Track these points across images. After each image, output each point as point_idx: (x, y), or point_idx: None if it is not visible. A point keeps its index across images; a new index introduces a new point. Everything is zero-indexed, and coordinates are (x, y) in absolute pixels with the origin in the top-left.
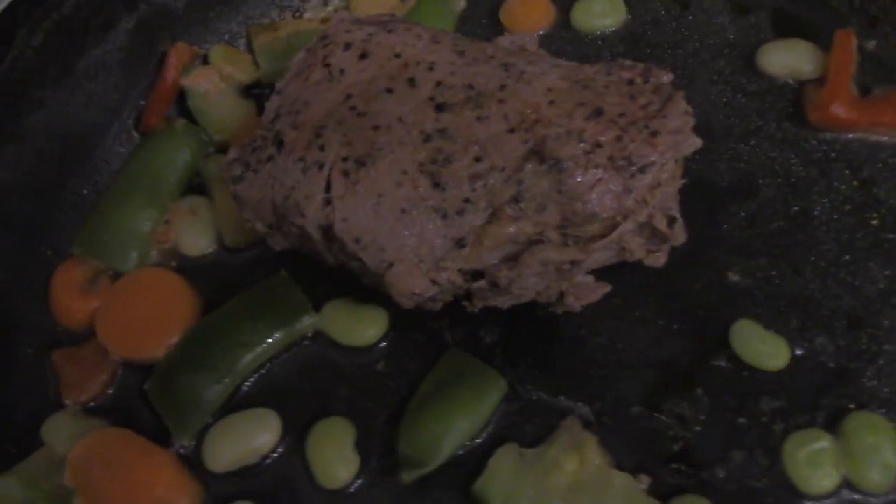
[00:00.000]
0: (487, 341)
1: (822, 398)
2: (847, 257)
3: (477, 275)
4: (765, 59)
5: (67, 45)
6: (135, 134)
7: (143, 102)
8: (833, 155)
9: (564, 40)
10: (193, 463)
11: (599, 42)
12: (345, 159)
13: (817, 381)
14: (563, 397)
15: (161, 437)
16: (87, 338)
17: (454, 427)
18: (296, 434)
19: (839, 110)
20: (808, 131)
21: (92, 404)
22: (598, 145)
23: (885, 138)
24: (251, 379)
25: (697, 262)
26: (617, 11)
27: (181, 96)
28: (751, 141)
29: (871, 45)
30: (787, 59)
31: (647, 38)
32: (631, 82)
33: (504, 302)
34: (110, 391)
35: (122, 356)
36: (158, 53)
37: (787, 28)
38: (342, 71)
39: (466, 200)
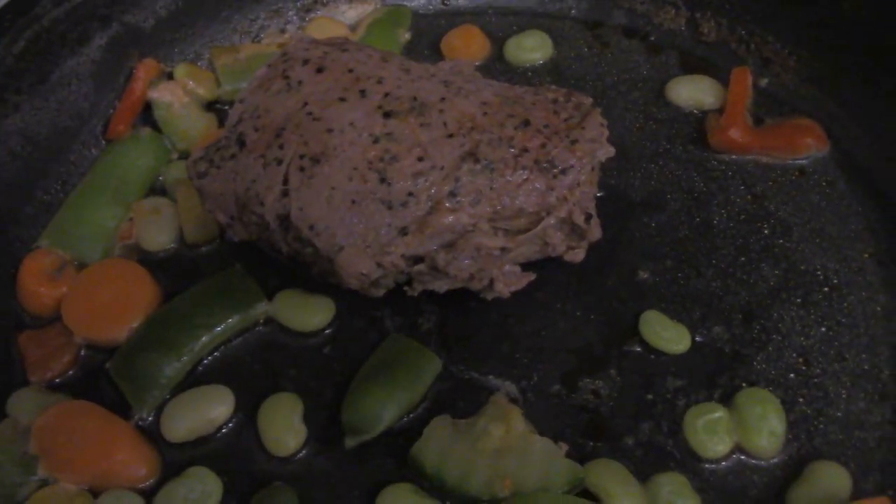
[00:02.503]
0: (425, 328)
1: (719, 378)
2: (742, 259)
3: (418, 259)
4: (673, 92)
5: (45, 54)
6: (102, 140)
7: (111, 111)
8: (730, 174)
9: (498, 71)
10: (152, 433)
11: (529, 73)
12: (301, 157)
13: (715, 364)
14: (491, 376)
15: (121, 411)
16: (52, 322)
17: (394, 399)
18: (248, 408)
19: (735, 135)
20: (709, 154)
21: (56, 381)
22: (526, 150)
23: (774, 161)
24: (208, 359)
25: (612, 263)
26: (545, 47)
27: (147, 108)
28: (660, 161)
29: (764, 82)
30: (692, 92)
31: (572, 71)
32: (555, 101)
33: (441, 286)
34: (73, 371)
35: (85, 338)
36: (127, 68)
37: (692, 66)
38: (300, 82)
39: (410, 194)
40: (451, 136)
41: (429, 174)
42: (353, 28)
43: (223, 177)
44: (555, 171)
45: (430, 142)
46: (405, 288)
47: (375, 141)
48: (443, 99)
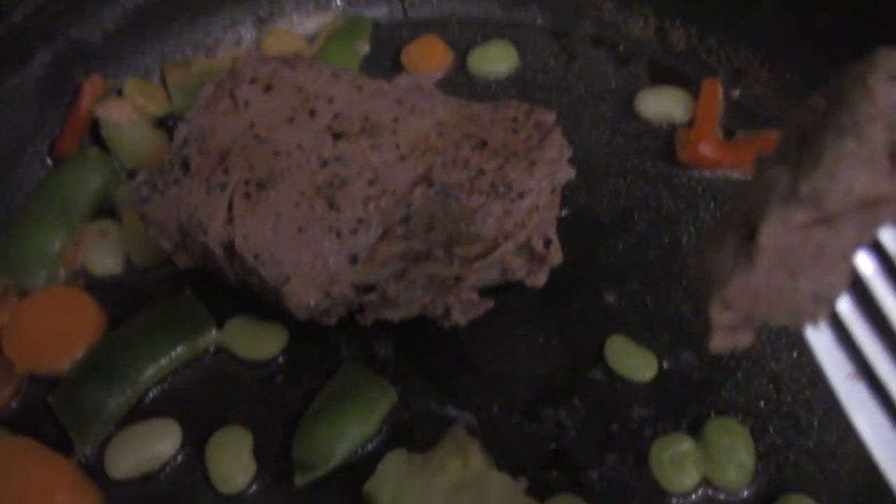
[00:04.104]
0: (381, 355)
1: (687, 406)
2: None
3: (368, 288)
4: (642, 104)
5: None
6: (48, 161)
7: (57, 131)
8: (700, 190)
9: (461, 84)
10: (95, 470)
11: (493, 86)
12: (246, 182)
13: (682, 392)
14: (450, 407)
15: (63, 446)
16: None
17: (346, 433)
18: (195, 442)
19: (706, 150)
20: (679, 169)
21: None
22: (482, 173)
23: (746, 176)
24: (154, 390)
25: (576, 286)
26: (510, 58)
27: (95, 126)
28: (628, 178)
29: (736, 93)
30: (662, 104)
31: (537, 83)
32: (514, 119)
33: (394, 315)
34: (14, 404)
35: (27, 369)
36: (74, 85)
37: (661, 77)
38: (247, 102)
39: (360, 220)
40: (403, 158)
41: (380, 199)
42: (310, 40)
43: (166, 202)
44: (512, 194)
45: (382, 165)
46: (357, 317)
47: (324, 164)
48: (396, 119)
